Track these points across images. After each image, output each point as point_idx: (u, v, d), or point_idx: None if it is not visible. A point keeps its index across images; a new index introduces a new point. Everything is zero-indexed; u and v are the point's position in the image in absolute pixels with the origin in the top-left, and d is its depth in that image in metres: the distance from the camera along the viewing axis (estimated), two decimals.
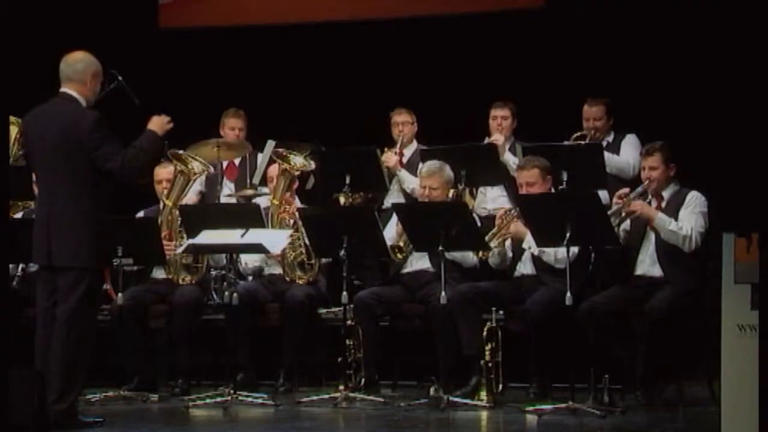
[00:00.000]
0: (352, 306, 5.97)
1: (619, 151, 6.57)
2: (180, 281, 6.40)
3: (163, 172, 6.43)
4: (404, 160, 6.93)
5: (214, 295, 6.57)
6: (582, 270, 5.75)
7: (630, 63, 7.06)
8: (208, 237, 5.85)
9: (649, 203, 5.80)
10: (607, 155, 6.46)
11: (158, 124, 5.22)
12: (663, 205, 5.80)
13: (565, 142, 6.59)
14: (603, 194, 6.19)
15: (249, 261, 6.49)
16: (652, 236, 5.74)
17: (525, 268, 6.02)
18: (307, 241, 6.19)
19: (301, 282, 6.33)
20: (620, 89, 6.81)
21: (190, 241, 5.94)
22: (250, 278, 6.55)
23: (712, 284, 5.55)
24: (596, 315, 5.61)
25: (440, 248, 5.67)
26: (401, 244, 6.08)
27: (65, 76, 5.08)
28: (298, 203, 6.49)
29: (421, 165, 6.36)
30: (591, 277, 5.80)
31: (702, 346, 5.60)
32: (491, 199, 6.71)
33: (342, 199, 6.65)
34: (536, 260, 5.94)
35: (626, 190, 5.81)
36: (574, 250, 5.64)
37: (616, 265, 5.88)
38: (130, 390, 6.04)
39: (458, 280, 6.01)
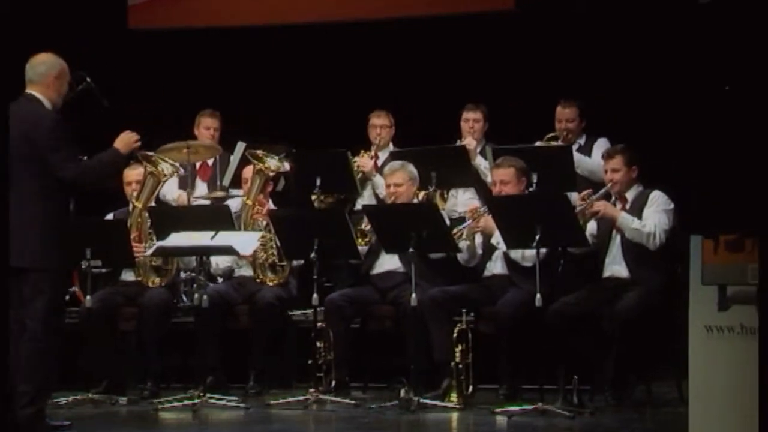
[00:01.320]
0: (322, 308, 5.98)
1: (591, 154, 6.61)
2: (149, 284, 6.37)
3: (133, 173, 6.39)
4: (379, 163, 6.92)
5: (184, 298, 6.56)
6: (552, 271, 5.76)
7: (602, 66, 7.08)
8: (177, 239, 5.83)
9: (614, 204, 5.83)
10: (579, 157, 6.50)
11: (125, 141, 5.22)
12: (627, 206, 5.83)
13: (537, 143, 6.61)
14: (573, 196, 6.18)
15: (219, 263, 6.46)
16: (617, 238, 5.77)
17: (495, 267, 6.03)
18: (278, 243, 6.17)
19: (271, 284, 6.31)
20: (592, 93, 6.85)
21: (160, 243, 5.91)
22: (220, 280, 6.52)
23: (680, 286, 5.61)
24: (566, 316, 5.64)
25: (410, 250, 5.67)
26: (365, 228, 6.07)
27: (28, 78, 5.06)
28: (270, 205, 6.50)
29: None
30: (561, 279, 5.84)
31: (670, 347, 5.60)
32: (462, 203, 6.70)
33: (314, 202, 6.65)
34: (507, 259, 5.97)
35: (590, 191, 5.85)
36: (544, 251, 5.66)
37: (586, 267, 5.93)
38: (99, 393, 5.99)
39: (429, 280, 6.02)
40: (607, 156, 5.85)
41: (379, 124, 6.93)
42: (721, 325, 5.15)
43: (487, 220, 5.89)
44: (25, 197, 4.91)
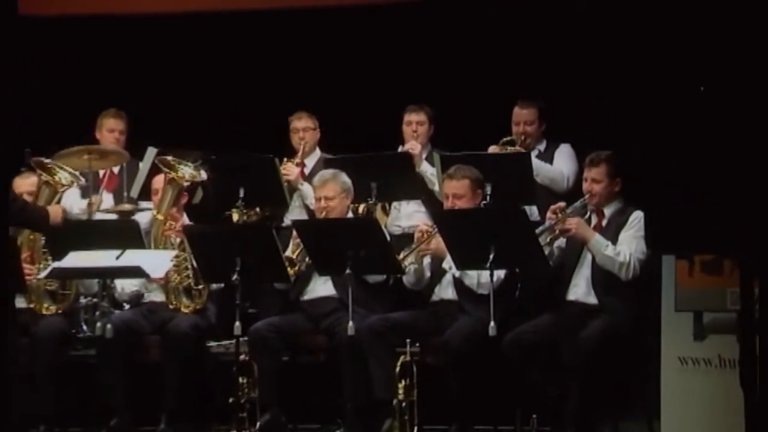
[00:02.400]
0: (246, 339, 5.98)
1: (552, 161, 6.65)
2: (43, 311, 6.31)
3: (25, 183, 6.31)
4: (306, 171, 6.93)
5: (84, 327, 6.49)
6: (508, 296, 5.82)
7: (565, 61, 7.09)
8: (76, 259, 5.77)
9: (588, 219, 5.88)
10: (538, 163, 6.55)
11: (55, 213, 5.32)
12: (604, 223, 5.88)
13: (491, 149, 6.63)
14: (533, 210, 6.29)
15: (126, 287, 6.45)
16: (588, 258, 5.81)
17: (444, 292, 6.08)
18: (194, 264, 6.17)
19: (186, 311, 6.31)
20: (554, 92, 6.89)
21: (56, 264, 5.85)
22: (127, 307, 6.49)
23: (652, 312, 5.68)
24: (523, 346, 5.68)
25: (347, 272, 5.69)
26: (293, 255, 6.09)
27: None
28: (185, 220, 6.47)
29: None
30: (518, 304, 5.88)
31: (640, 381, 5.69)
32: (406, 216, 6.76)
33: (235, 216, 6.64)
34: (457, 284, 6.01)
35: (562, 204, 5.88)
36: (500, 273, 5.75)
37: (547, 290, 5.97)
38: None
39: (368, 307, 6.07)
40: (590, 163, 5.86)
41: (301, 127, 6.94)
42: (696, 356, 5.22)
43: (439, 242, 5.90)
44: None
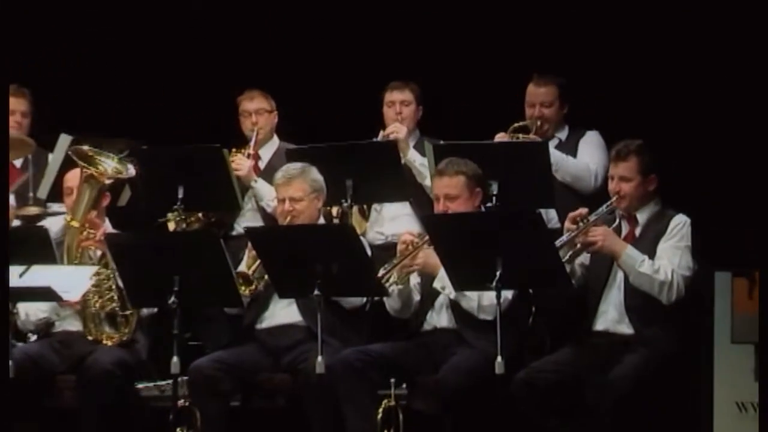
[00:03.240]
0: (186, 378, 5.96)
1: (576, 153, 6.65)
2: None
3: (71, 177, 6.41)
4: (262, 164, 6.93)
5: None
6: (519, 324, 5.83)
7: (593, 29, 7.07)
8: None
9: (618, 228, 5.87)
10: (559, 156, 6.55)
11: None
12: (637, 232, 5.88)
13: (498, 137, 6.62)
14: (550, 214, 6.28)
15: (31, 312, 6.39)
16: (619, 277, 5.82)
17: (439, 319, 6.05)
18: (120, 283, 6.13)
19: (110, 343, 6.29)
20: (578, 66, 6.87)
21: None
22: (33, 338, 6.44)
23: (702, 344, 5.66)
24: (538, 388, 5.66)
25: (315, 293, 5.66)
26: (249, 271, 6.10)
27: None
28: (108, 227, 6.42)
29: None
30: (532, 335, 5.87)
31: (687, 431, 5.67)
32: (390, 220, 6.79)
33: (173, 222, 6.63)
34: (454, 308, 5.99)
35: (584, 210, 5.84)
36: (507, 295, 5.71)
37: (569, 317, 5.96)
38: None
39: (342, 337, 6.07)
40: (616, 157, 5.87)
41: (254, 109, 6.96)
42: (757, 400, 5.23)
43: (428, 255, 5.89)
44: None
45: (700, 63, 6.70)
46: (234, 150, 6.86)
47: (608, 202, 5.85)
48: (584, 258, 5.85)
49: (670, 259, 5.71)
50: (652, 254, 5.75)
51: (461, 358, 5.85)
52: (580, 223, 5.78)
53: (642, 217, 5.88)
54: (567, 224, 5.82)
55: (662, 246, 5.77)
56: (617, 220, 5.87)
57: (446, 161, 6.08)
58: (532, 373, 5.69)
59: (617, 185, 5.84)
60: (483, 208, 6.07)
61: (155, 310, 6.21)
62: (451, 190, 5.98)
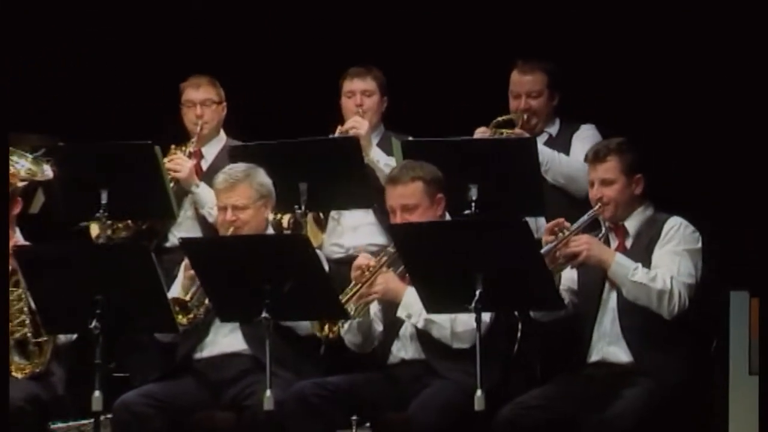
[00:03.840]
0: (110, 417, 5.96)
1: (569, 150, 6.67)
2: None
3: None
4: (205, 165, 6.95)
5: None
6: (502, 351, 5.83)
7: (585, 14, 7.09)
8: None
9: (606, 243, 5.89)
10: (549, 154, 6.57)
11: None
12: (628, 243, 5.92)
13: (478, 132, 6.63)
14: (540, 223, 6.26)
15: None
16: (612, 298, 5.85)
17: (405, 350, 6.07)
18: (31, 305, 6.13)
19: (20, 375, 6.24)
20: (567, 54, 6.88)
21: None
22: None
23: (715, 373, 5.67)
24: (525, 427, 5.67)
25: (263, 316, 5.64)
26: (187, 297, 6.08)
27: None
28: (19, 238, 6.39)
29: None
30: (517, 364, 5.87)
31: None
32: (350, 230, 6.85)
33: (95, 231, 6.62)
34: (423, 337, 5.99)
35: (562, 220, 5.83)
36: (485, 318, 5.69)
37: (560, 344, 5.96)
38: None
39: (295, 369, 6.09)
40: (593, 158, 5.90)
41: (199, 100, 6.96)
42: None
43: (388, 279, 5.92)
44: None
45: (711, 44, 6.74)
46: (173, 147, 6.87)
47: (590, 212, 5.85)
48: (571, 282, 5.88)
49: (668, 266, 5.73)
50: (648, 265, 5.77)
51: (434, 391, 5.85)
52: (560, 234, 5.79)
53: (631, 225, 5.92)
54: (545, 236, 5.83)
55: (658, 253, 5.80)
56: (603, 232, 5.89)
57: (399, 167, 6.10)
58: (517, 409, 5.69)
59: (598, 191, 5.86)
60: (448, 217, 6.05)
61: (74, 336, 6.18)
62: (407, 199, 5.98)
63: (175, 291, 6.14)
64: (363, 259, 6.01)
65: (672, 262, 5.74)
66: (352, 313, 5.91)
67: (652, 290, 5.69)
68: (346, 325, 5.96)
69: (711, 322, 5.77)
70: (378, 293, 5.95)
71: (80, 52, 7.47)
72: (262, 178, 6.24)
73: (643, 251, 5.82)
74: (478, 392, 5.45)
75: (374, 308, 6.04)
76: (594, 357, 5.83)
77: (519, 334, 5.88)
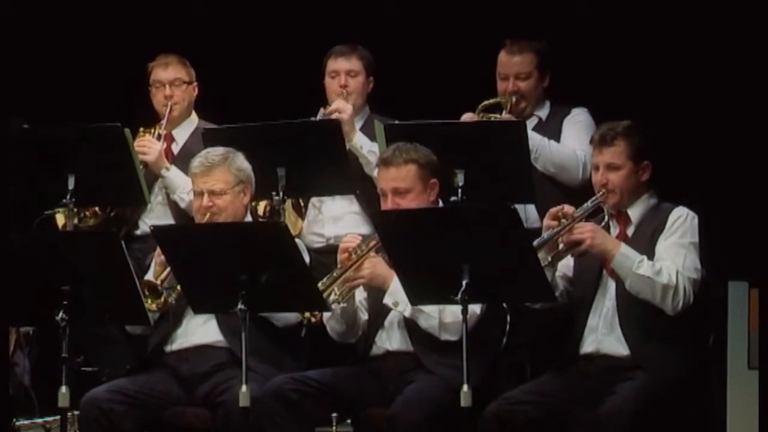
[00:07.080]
0: (77, 413, 5.93)
1: (560, 136, 6.67)
2: None
3: None
4: (176, 148, 6.93)
5: None
6: (490, 345, 5.84)
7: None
8: None
9: (606, 230, 5.88)
10: (539, 140, 6.57)
11: None
12: (630, 232, 5.92)
13: (465, 116, 6.64)
14: (529, 211, 6.30)
15: None
16: (611, 288, 5.86)
17: (391, 340, 6.08)
18: None
19: None
20: (558, 33, 6.88)
21: None
22: None
23: (714, 368, 5.68)
24: (514, 424, 5.66)
25: (239, 307, 5.61)
26: (158, 282, 6.09)
27: None
28: None
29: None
30: (506, 358, 5.87)
31: None
32: (331, 219, 6.85)
33: (61, 218, 6.60)
34: (410, 327, 5.99)
35: (568, 207, 5.84)
36: (476, 309, 5.71)
37: (551, 337, 5.97)
38: None
39: (273, 362, 6.09)
40: (600, 141, 5.89)
41: (168, 80, 6.97)
42: None
43: (375, 265, 5.92)
44: None
45: (711, 22, 6.70)
46: (142, 130, 6.86)
47: (594, 198, 5.85)
48: (567, 269, 5.87)
49: (673, 259, 5.73)
50: (650, 256, 5.76)
51: (419, 387, 5.84)
52: (563, 220, 5.78)
53: (634, 213, 5.92)
54: (546, 221, 5.82)
55: (662, 244, 5.79)
56: (605, 219, 5.87)
57: (392, 148, 6.08)
58: (505, 405, 5.69)
59: (603, 176, 5.84)
60: (441, 203, 6.05)
61: (37, 328, 6.25)
62: (400, 183, 5.98)
63: (148, 277, 6.11)
64: (351, 242, 6.00)
65: (677, 255, 5.75)
66: (336, 297, 5.89)
67: (657, 284, 5.68)
68: (334, 311, 5.93)
69: (709, 314, 5.74)
70: (364, 278, 5.95)
71: (44, 30, 7.47)
72: (241, 162, 6.23)
73: (645, 241, 5.82)
74: (465, 387, 5.45)
75: (360, 296, 6.04)
76: (587, 348, 5.84)
77: (508, 327, 5.87)
